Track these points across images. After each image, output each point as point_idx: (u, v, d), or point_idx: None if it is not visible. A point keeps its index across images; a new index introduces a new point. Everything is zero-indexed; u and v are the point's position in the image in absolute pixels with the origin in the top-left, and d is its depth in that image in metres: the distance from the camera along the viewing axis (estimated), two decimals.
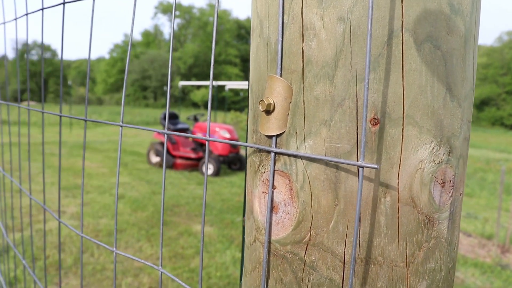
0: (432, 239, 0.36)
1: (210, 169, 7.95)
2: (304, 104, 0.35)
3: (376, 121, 0.33)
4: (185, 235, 4.61)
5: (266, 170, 0.39)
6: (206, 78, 49.02)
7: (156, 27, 61.50)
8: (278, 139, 0.37)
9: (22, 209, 4.17)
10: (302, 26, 0.35)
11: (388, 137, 0.34)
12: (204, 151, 8.37)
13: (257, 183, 0.40)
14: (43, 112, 0.90)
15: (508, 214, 6.36)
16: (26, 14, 0.98)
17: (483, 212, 6.66)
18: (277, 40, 0.37)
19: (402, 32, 0.33)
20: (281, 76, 0.36)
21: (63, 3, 0.75)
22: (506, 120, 48.55)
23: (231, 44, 51.56)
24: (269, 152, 0.38)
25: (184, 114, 20.16)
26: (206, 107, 40.16)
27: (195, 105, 46.21)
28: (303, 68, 0.35)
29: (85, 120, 0.69)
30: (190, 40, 59.05)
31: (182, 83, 13.86)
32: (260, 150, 0.39)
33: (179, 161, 8.39)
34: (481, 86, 51.90)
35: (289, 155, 0.36)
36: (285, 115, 0.35)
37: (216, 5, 0.42)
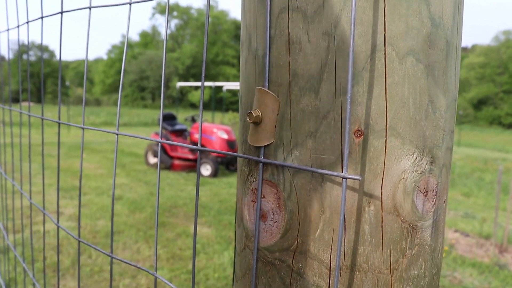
0: (416, 247, 0.37)
1: (207, 170, 7.96)
2: (290, 116, 0.36)
3: (360, 132, 0.34)
4: (183, 236, 4.62)
5: (254, 180, 0.40)
6: (205, 78, 48.97)
7: (154, 28, 61.47)
8: (266, 149, 0.38)
9: (20, 210, 4.18)
10: (289, 40, 0.36)
11: (371, 148, 0.35)
12: (202, 152, 8.37)
13: (247, 191, 0.41)
14: (42, 119, 0.91)
15: (505, 213, 6.38)
16: (27, 22, 1.00)
17: (481, 212, 6.68)
18: (264, 54, 0.38)
19: (385, 47, 0.34)
20: (268, 88, 0.37)
21: (61, 12, 0.76)
22: (504, 119, 48.67)
23: (229, 45, 51.55)
24: (257, 162, 0.39)
25: (182, 115, 20.17)
26: (204, 107, 40.18)
27: (193, 105, 46.18)
28: (289, 81, 0.36)
29: (83, 128, 0.70)
30: (188, 40, 59.02)
31: (180, 84, 13.84)
32: (249, 160, 0.40)
33: (177, 162, 8.39)
34: (479, 85, 51.98)
35: (276, 165, 0.37)
36: (273, 126, 0.37)
37: (207, 7, 0.43)
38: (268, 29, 0.36)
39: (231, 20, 54.09)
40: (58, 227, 0.80)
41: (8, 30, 1.29)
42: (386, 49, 0.34)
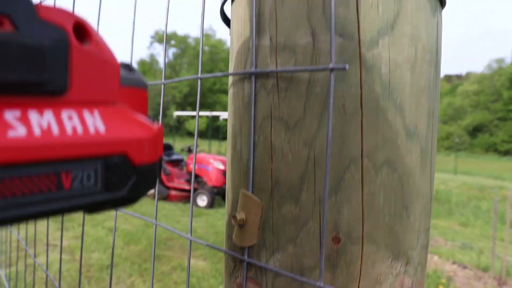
0: None
1: (204, 200, 7.93)
2: (273, 221, 0.38)
3: (338, 240, 0.36)
4: (178, 269, 4.57)
5: (239, 275, 0.42)
6: (202, 107, 49.24)
7: (152, 57, 62.16)
8: (250, 248, 0.40)
9: (13, 243, 4.14)
10: (271, 147, 0.38)
11: (348, 254, 0.37)
12: (199, 182, 8.34)
13: (232, 285, 0.43)
14: None
15: (503, 244, 6.34)
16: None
17: (478, 242, 6.64)
18: (248, 158, 0.40)
19: (362, 159, 0.36)
20: (252, 192, 0.39)
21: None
22: (499, 146, 48.87)
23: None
24: (241, 260, 0.41)
25: (179, 143, 20.19)
26: (200, 136, 40.27)
27: (190, 134, 46.27)
28: (272, 188, 0.38)
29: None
30: (186, 69, 59.63)
31: (177, 113, 13.96)
32: (234, 256, 0.42)
33: (173, 192, 8.37)
34: (473, 113, 52.43)
35: (259, 266, 0.39)
36: (256, 229, 0.38)
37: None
38: (252, 135, 0.39)
39: (228, 49, 54.71)
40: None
41: None
42: (363, 161, 0.36)
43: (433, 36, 0.38)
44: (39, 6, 0.21)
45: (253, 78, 0.37)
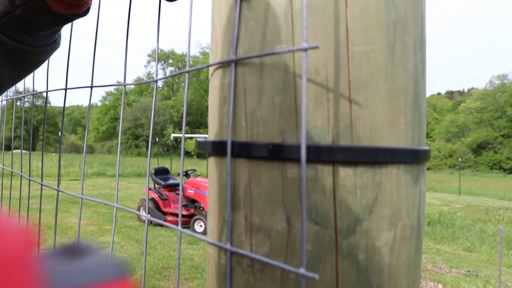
0: None
1: (201, 226, 7.87)
2: None
3: None
4: None
5: None
6: (200, 126, 49.46)
7: (149, 75, 62.45)
8: None
9: None
10: None
11: None
12: (196, 207, 8.29)
13: None
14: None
15: (510, 271, 6.26)
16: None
17: (484, 269, 6.49)
18: None
19: None
20: None
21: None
22: (504, 163, 48.68)
23: None
24: None
25: (176, 164, 20.12)
26: (198, 156, 40.24)
27: (188, 154, 46.21)
28: None
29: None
30: (183, 87, 59.94)
31: (174, 135, 14.02)
32: None
33: (170, 218, 8.30)
34: (477, 130, 52.40)
35: None
36: None
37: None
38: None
39: None
40: None
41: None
42: None
43: (414, 208, 0.37)
44: None
45: (228, 253, 0.35)
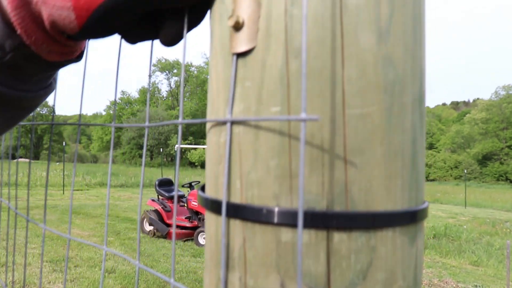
0: None
1: (205, 238, 7.84)
2: None
3: None
4: None
5: None
6: (204, 136, 49.56)
7: (154, 85, 62.71)
8: None
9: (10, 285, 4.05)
10: None
11: None
12: (200, 219, 8.28)
13: None
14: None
15: None
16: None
17: (491, 284, 6.38)
18: None
19: None
20: None
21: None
22: (511, 175, 48.29)
23: None
24: None
25: (181, 174, 20.11)
26: (202, 167, 40.26)
27: (192, 164, 46.27)
28: None
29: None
30: (188, 97, 60.20)
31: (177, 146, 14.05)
32: None
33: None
34: (483, 140, 52.12)
35: None
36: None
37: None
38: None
39: None
40: None
41: None
42: None
43: (410, 269, 0.36)
44: None
45: None
